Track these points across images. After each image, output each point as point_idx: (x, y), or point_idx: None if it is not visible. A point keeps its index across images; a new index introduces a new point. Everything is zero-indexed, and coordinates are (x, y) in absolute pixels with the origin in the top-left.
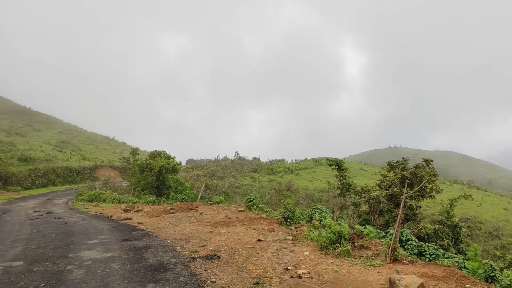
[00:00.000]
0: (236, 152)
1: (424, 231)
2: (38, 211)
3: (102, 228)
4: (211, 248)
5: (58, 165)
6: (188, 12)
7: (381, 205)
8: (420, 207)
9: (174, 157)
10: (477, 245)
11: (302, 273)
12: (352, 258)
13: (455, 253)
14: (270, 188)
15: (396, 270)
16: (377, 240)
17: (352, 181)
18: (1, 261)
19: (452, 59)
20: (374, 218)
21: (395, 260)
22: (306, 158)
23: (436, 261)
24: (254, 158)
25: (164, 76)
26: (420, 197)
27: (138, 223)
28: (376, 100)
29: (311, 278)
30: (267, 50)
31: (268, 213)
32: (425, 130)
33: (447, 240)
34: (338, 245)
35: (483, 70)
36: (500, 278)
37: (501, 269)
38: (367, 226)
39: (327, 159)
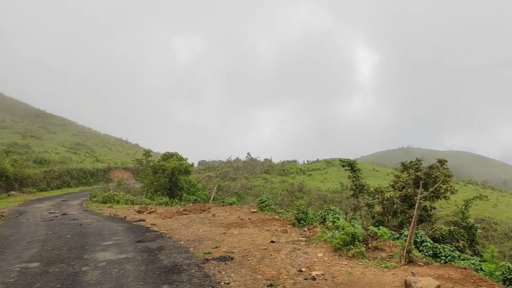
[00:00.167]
0: (248, 153)
1: (438, 232)
2: (53, 212)
3: (116, 230)
4: (224, 250)
5: (72, 167)
6: (202, 14)
7: (395, 206)
8: (434, 208)
9: (186, 158)
10: (493, 247)
11: (316, 275)
12: (366, 260)
13: (471, 255)
14: (282, 189)
15: (412, 272)
16: (391, 241)
17: (365, 182)
18: (17, 262)
19: (468, 55)
20: (387, 219)
21: (410, 261)
22: (318, 159)
23: (451, 263)
24: (266, 159)
25: (177, 77)
26: (434, 198)
27: (151, 224)
28: (388, 100)
29: (325, 280)
30: (279, 51)
31: (280, 214)
32: (438, 130)
33: (463, 242)
34: (352, 246)
35: (504, 65)
36: None
37: None
38: (380, 227)
39: (340, 160)
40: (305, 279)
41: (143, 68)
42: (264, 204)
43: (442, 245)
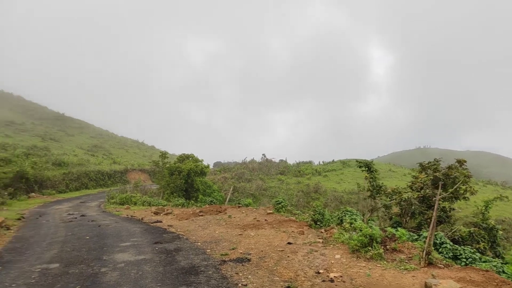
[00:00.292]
0: (263, 154)
1: (458, 233)
2: (72, 214)
3: (134, 231)
4: (241, 251)
5: (90, 169)
6: (217, 15)
7: (413, 207)
8: (453, 209)
9: (202, 160)
10: None
11: (334, 276)
12: (385, 262)
13: (492, 257)
14: (298, 190)
15: (432, 274)
16: (410, 243)
17: (382, 183)
18: (38, 263)
19: (487, 48)
20: (405, 221)
21: (430, 263)
22: (333, 160)
23: (472, 265)
24: (281, 160)
25: (192, 78)
26: (453, 199)
27: (168, 225)
28: (404, 100)
29: (344, 282)
30: (294, 51)
31: (297, 216)
32: (456, 130)
33: (483, 243)
34: (370, 248)
35: None
36: None
37: None
38: (398, 228)
39: (356, 161)
40: (323, 281)
41: (159, 71)
42: (280, 205)
43: (462, 246)
